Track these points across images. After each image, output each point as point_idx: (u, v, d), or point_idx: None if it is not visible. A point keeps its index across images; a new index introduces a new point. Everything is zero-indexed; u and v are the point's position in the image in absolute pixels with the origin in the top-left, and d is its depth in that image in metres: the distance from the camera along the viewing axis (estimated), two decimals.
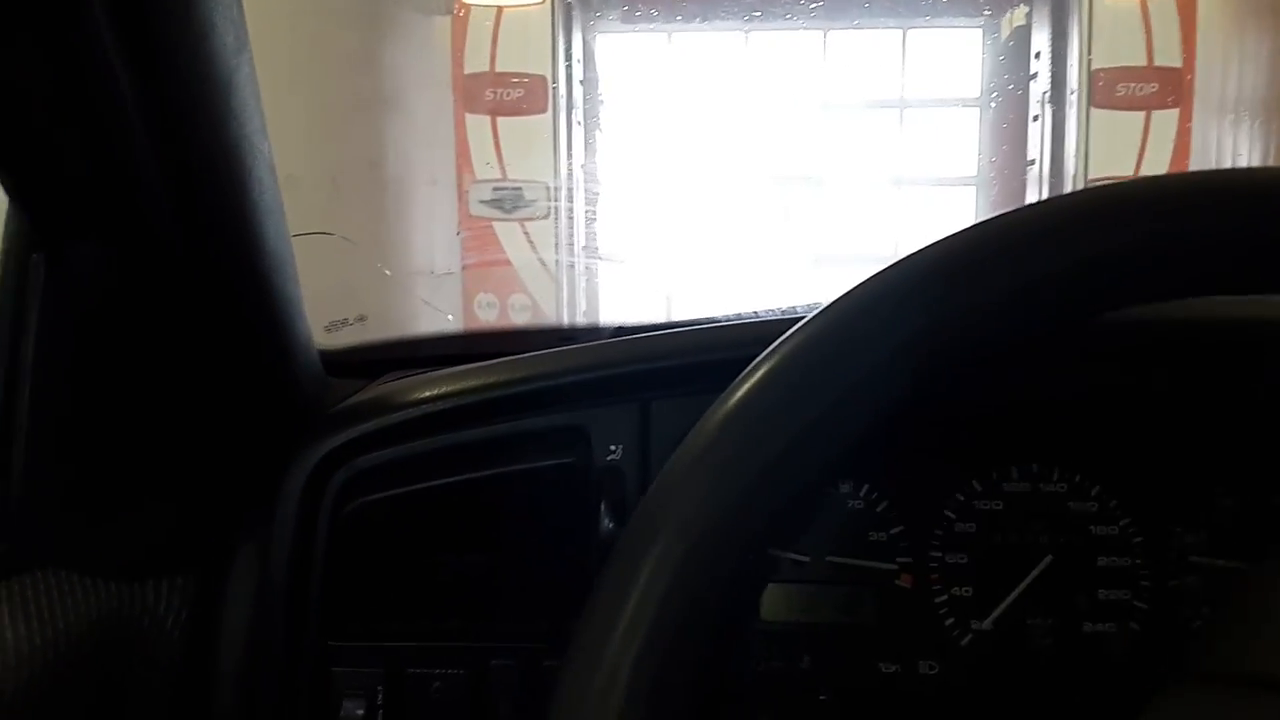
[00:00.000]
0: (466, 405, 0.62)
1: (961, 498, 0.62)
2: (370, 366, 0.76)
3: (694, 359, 0.62)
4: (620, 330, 0.78)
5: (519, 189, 3.92)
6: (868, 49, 6.07)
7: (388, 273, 3.48)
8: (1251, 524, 0.60)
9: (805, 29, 5.78)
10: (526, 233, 3.93)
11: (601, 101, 5.10)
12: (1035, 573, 0.61)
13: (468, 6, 3.90)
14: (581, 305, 4.43)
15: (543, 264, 3.96)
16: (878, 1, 5.62)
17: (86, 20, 0.41)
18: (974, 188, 5.88)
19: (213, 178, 0.50)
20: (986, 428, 0.62)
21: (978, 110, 5.89)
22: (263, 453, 0.62)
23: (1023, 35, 4.51)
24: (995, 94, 4.84)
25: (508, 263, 3.91)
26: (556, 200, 3.97)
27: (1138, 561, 0.61)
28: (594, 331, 0.80)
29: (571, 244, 4.19)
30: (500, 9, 3.90)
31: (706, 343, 0.64)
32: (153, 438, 0.56)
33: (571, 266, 4.17)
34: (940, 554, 0.62)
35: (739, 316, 0.78)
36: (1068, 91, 3.86)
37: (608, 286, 4.78)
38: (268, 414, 0.62)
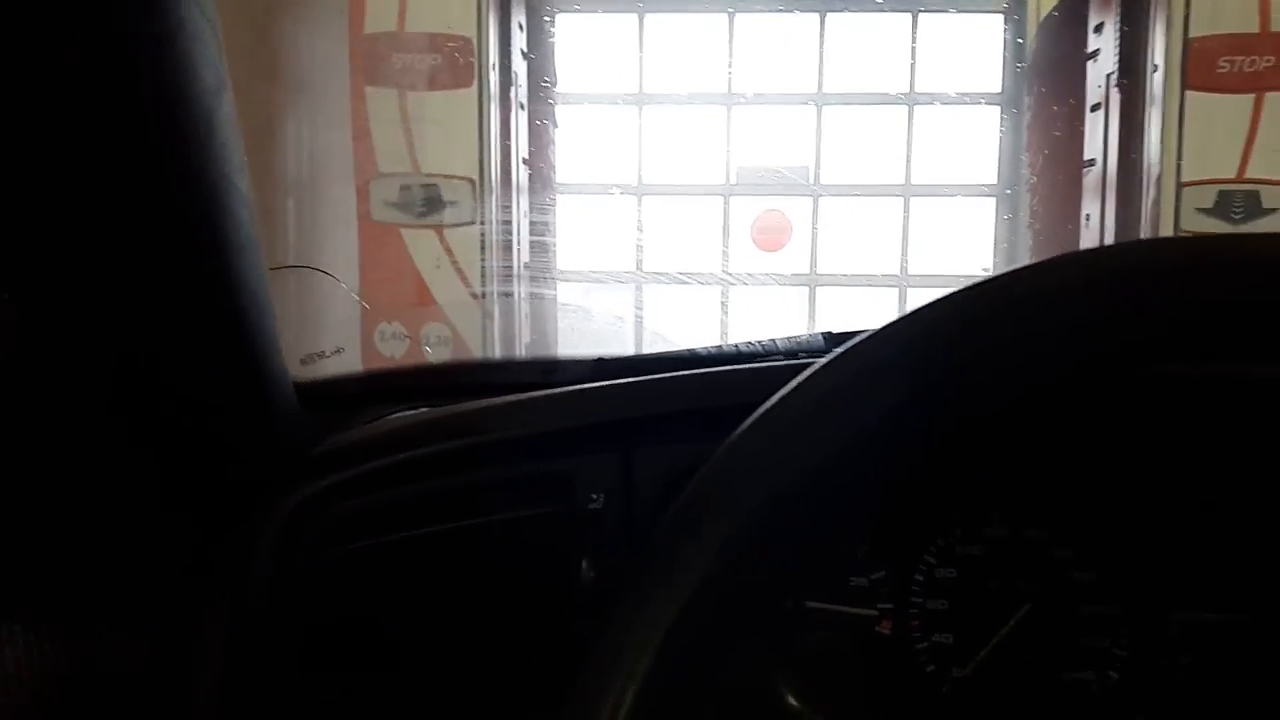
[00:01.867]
0: (449, 451, 0.61)
1: (942, 543, 0.61)
2: (348, 400, 0.71)
3: (677, 407, 0.62)
4: (601, 362, 0.75)
5: (435, 186, 2.97)
6: (870, 37, 5.23)
7: (366, 306, 2.65)
8: (1231, 574, 0.58)
9: (798, 11, 4.92)
10: (445, 244, 2.99)
11: (554, 85, 4.17)
12: (1014, 620, 0.60)
13: None
14: (524, 337, 3.51)
15: (467, 284, 3.02)
16: None
17: (66, 62, 0.42)
18: (994, 199, 5.04)
19: (192, 219, 0.49)
20: (969, 472, 0.61)
21: (998, 109, 5.04)
22: (235, 495, 0.57)
23: (1072, 8, 3.63)
24: (1033, 84, 3.96)
25: (419, 282, 2.97)
26: (487, 202, 3.02)
27: (1117, 609, 0.60)
28: (572, 364, 0.76)
29: (511, 259, 3.26)
30: None
31: (690, 390, 0.63)
32: (116, 477, 0.53)
33: (508, 290, 3.24)
34: (921, 600, 0.61)
35: (719, 350, 0.74)
36: (1147, 70, 2.96)
37: (558, 312, 3.85)
38: (241, 454, 0.58)
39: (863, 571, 0.61)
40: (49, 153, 0.43)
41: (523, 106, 3.40)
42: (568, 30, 4.70)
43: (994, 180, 4.90)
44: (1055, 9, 3.75)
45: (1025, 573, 0.60)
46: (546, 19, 4.19)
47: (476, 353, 3.00)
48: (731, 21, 4.85)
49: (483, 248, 2.99)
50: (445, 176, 2.97)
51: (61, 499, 0.51)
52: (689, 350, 0.74)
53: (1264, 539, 0.59)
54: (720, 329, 5.03)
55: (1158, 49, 2.88)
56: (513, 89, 3.25)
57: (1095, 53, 3.27)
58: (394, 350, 2.90)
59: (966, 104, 4.96)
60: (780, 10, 4.91)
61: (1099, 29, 3.25)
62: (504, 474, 0.60)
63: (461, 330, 2.96)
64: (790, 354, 0.74)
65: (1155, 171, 2.88)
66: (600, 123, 4.96)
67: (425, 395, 0.71)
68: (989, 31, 4.96)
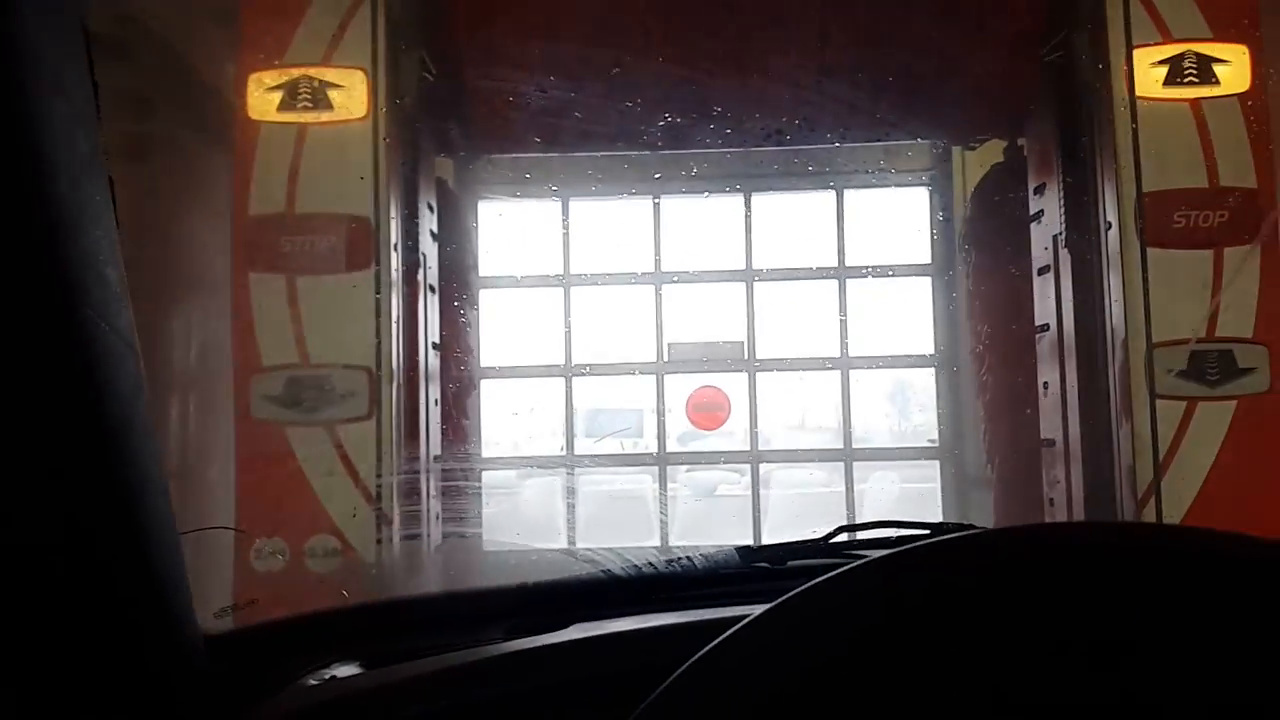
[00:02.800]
0: None
1: None
2: (265, 651, 0.69)
3: (599, 670, 0.61)
4: (524, 589, 0.73)
5: (326, 378, 2.55)
6: (798, 213, 5.08)
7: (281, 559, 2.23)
8: None
9: (723, 193, 4.75)
10: (337, 441, 2.56)
11: (474, 268, 3.86)
12: None
13: (256, 123, 2.64)
14: (433, 537, 3.03)
15: (361, 486, 2.56)
16: (807, 160, 4.63)
17: None
18: (932, 369, 4.78)
19: (108, 515, 0.51)
20: None
21: (929, 279, 4.85)
22: None
23: (1006, 173, 3.46)
24: (970, 252, 3.74)
25: (305, 487, 2.50)
26: (386, 393, 2.61)
27: None
28: (494, 595, 0.73)
29: (417, 455, 2.83)
30: (303, 126, 2.64)
31: (610, 653, 0.63)
32: None
33: (414, 489, 2.79)
34: None
35: (638, 571, 0.74)
36: (1100, 228, 2.72)
37: (481, 505, 3.39)
38: None
39: None
40: None
41: (433, 289, 3.03)
42: (489, 215, 4.45)
43: (931, 350, 4.66)
44: (987, 175, 3.57)
45: None
46: (464, 202, 3.93)
47: (370, 562, 2.51)
48: (657, 205, 4.65)
49: (379, 443, 2.54)
50: (338, 367, 2.55)
51: None
52: (607, 573, 0.74)
53: None
54: (659, 514, 4.61)
55: (1108, 206, 2.64)
56: (420, 271, 2.89)
57: (1039, 214, 3.03)
58: (270, 567, 2.40)
59: (897, 276, 4.77)
60: (705, 193, 4.72)
61: (1040, 190, 3.03)
62: None
63: (354, 540, 2.48)
64: (710, 573, 0.75)
65: (1121, 333, 2.58)
66: (525, 306, 4.66)
67: (345, 641, 0.69)
68: (915, 204, 4.84)
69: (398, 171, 2.71)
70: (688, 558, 0.75)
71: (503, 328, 4.39)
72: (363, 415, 2.52)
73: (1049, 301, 2.93)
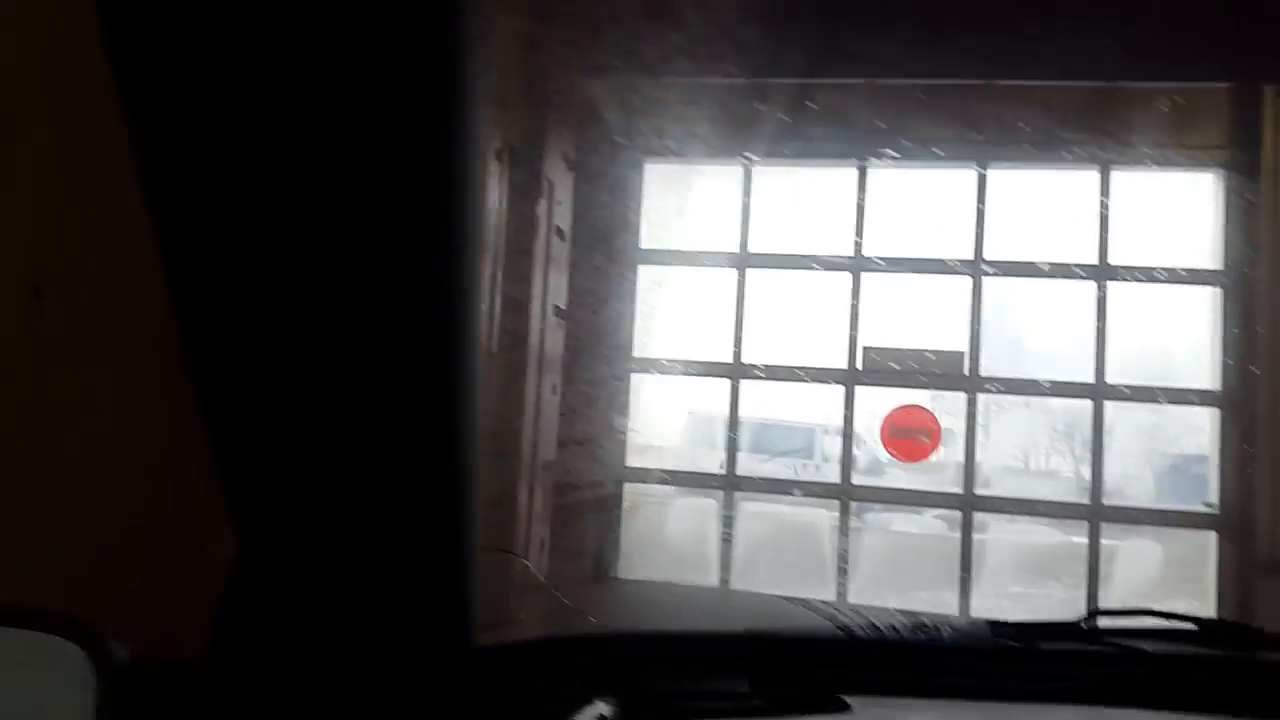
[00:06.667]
0: None
1: None
2: (514, 667, 0.69)
3: None
4: (756, 637, 0.73)
5: None
6: (1044, 195, 4.01)
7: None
8: None
9: (948, 167, 3.73)
10: None
11: (626, 229, 3.02)
12: None
13: None
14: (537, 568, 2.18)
15: None
16: (1061, 124, 3.58)
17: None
18: (1216, 408, 3.61)
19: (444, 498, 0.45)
20: None
21: (1216, 290, 3.69)
22: None
23: None
24: None
25: None
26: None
27: None
28: (729, 640, 0.74)
29: (516, 460, 1.95)
30: None
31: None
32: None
33: (509, 505, 1.93)
34: None
35: (879, 633, 0.71)
36: None
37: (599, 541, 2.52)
38: None
39: None
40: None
41: (561, 235, 2.20)
42: (656, 179, 3.64)
43: (1213, 384, 3.51)
44: None
45: None
46: (623, 152, 3.11)
47: None
48: (862, 177, 3.70)
49: None
50: None
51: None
52: (845, 630, 0.69)
53: None
54: (835, 558, 3.65)
55: None
56: (542, 203, 2.06)
57: None
58: None
59: (1178, 283, 3.62)
60: (925, 165, 3.71)
61: None
62: None
63: None
64: (956, 646, 0.70)
65: None
66: (686, 288, 3.81)
67: (586, 669, 0.67)
68: (1200, 192, 3.72)
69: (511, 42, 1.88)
70: (935, 626, 0.69)
71: (657, 311, 3.57)
72: None
73: None
